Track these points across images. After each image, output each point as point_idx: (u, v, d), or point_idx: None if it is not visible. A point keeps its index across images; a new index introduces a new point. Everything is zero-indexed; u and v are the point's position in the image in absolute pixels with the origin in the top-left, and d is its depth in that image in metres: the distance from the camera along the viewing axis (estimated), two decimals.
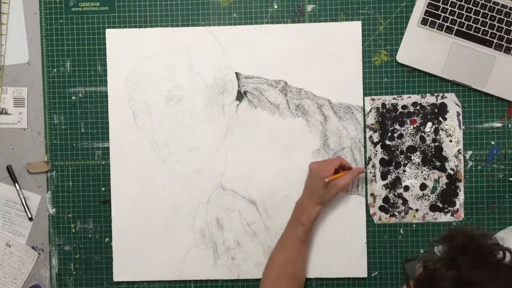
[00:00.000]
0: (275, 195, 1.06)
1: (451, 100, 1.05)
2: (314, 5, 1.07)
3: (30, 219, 1.07)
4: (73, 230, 1.09)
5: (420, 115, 1.05)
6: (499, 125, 1.06)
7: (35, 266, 1.08)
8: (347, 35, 1.05)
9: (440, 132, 1.05)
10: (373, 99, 1.06)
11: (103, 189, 1.08)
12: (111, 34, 1.07)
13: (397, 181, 1.06)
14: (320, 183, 0.98)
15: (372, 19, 1.06)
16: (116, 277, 1.08)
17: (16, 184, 1.07)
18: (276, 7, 1.07)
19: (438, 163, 1.05)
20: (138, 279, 1.08)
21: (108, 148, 1.08)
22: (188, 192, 1.07)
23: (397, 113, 1.06)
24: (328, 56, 1.06)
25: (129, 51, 1.07)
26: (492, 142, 1.06)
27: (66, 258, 1.09)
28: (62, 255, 1.09)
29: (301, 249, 1.00)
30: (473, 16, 1.03)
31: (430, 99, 1.05)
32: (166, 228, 1.07)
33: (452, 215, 1.05)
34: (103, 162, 1.08)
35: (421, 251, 1.06)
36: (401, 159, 1.06)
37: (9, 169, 1.07)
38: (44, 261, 1.09)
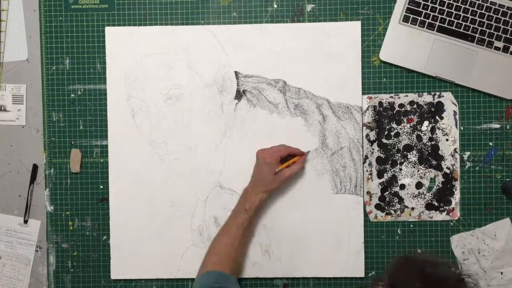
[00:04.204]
0: (273, 194, 1.06)
1: (448, 99, 1.05)
2: (314, 5, 1.07)
3: (26, 221, 1.08)
4: (71, 228, 1.09)
5: (417, 114, 1.06)
6: (497, 126, 1.06)
7: (32, 266, 1.08)
8: (346, 35, 1.06)
9: (437, 131, 1.06)
10: (370, 98, 1.06)
11: (101, 187, 1.08)
12: (110, 32, 1.07)
13: (393, 180, 1.06)
14: (266, 172, 0.99)
15: (372, 19, 1.06)
16: (114, 275, 1.08)
17: (32, 184, 1.08)
18: (275, 6, 1.07)
19: (434, 162, 1.06)
20: (135, 277, 1.08)
21: (106, 146, 1.08)
22: (186, 190, 1.07)
23: (394, 112, 1.06)
24: (327, 56, 1.06)
25: (129, 49, 1.07)
26: (490, 143, 1.06)
27: (63, 255, 1.09)
28: (60, 252, 1.09)
29: (244, 234, 1.01)
30: (454, 12, 1.04)
31: (427, 98, 1.06)
32: (164, 226, 1.07)
33: (447, 214, 1.06)
34: (101, 160, 1.08)
35: (419, 251, 1.06)
36: (397, 157, 1.06)
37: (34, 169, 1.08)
38: (42, 259, 1.09)
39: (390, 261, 0.98)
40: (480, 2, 1.04)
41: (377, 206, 1.06)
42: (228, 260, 0.98)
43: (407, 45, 1.05)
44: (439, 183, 1.06)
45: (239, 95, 1.07)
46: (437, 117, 1.06)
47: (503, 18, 1.04)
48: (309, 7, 1.07)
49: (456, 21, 1.04)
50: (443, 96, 1.05)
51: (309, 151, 1.05)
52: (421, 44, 1.05)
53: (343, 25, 1.06)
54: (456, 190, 1.05)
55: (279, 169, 0.99)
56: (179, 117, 1.07)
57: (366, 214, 1.06)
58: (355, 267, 1.06)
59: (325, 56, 1.06)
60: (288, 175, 1.00)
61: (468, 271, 0.82)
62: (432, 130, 1.06)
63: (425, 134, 1.06)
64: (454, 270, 0.71)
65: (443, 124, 1.05)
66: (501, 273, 1.04)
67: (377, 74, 1.06)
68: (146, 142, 1.07)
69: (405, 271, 0.69)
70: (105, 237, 1.08)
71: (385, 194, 1.06)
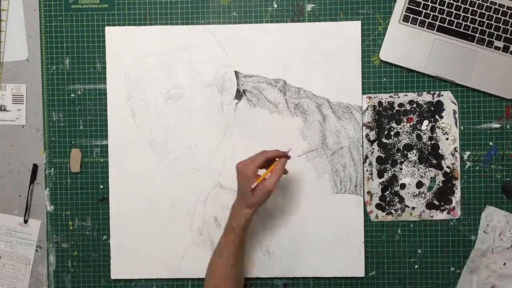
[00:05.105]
0: (273, 194, 1.06)
1: (447, 98, 1.05)
2: (314, 5, 1.07)
3: (26, 221, 1.08)
4: (71, 228, 1.09)
5: (417, 113, 1.06)
6: (497, 126, 1.06)
7: (32, 266, 1.08)
8: (346, 35, 1.06)
9: (437, 130, 1.06)
10: (370, 97, 1.06)
11: (101, 186, 1.08)
12: (110, 32, 1.07)
13: (393, 179, 1.06)
14: (244, 187, 0.93)
15: (372, 19, 1.06)
16: (114, 275, 1.08)
17: (32, 183, 1.07)
18: (275, 6, 1.07)
19: (434, 161, 1.06)
20: (135, 277, 1.08)
21: (106, 146, 1.08)
22: (186, 190, 1.07)
23: (394, 111, 1.06)
24: (327, 56, 1.06)
25: (129, 49, 1.07)
26: (490, 143, 1.06)
27: (63, 255, 1.09)
28: (60, 252, 1.09)
29: (237, 253, 0.96)
30: (454, 12, 1.04)
31: (426, 97, 1.06)
32: (164, 226, 1.07)
33: (448, 213, 1.06)
34: (101, 160, 1.08)
35: (419, 250, 1.06)
36: (397, 157, 1.06)
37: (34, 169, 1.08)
38: (42, 259, 1.09)
39: None
40: (480, 2, 1.04)
41: (378, 206, 1.06)
42: (227, 282, 0.95)
43: (407, 45, 1.05)
44: (439, 182, 1.06)
45: (239, 95, 1.07)
46: (436, 116, 1.06)
47: (503, 18, 1.04)
48: (309, 7, 1.07)
49: (456, 20, 1.04)
50: (442, 95, 1.06)
51: (289, 149, 0.97)
52: (421, 44, 1.05)
53: (343, 25, 1.06)
54: (456, 189, 1.06)
55: (255, 185, 0.91)
56: (179, 117, 1.07)
57: (366, 214, 1.06)
58: (355, 267, 1.06)
59: (325, 56, 1.06)
60: (269, 187, 0.91)
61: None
62: (432, 129, 1.06)
63: (425, 134, 1.06)
64: None
65: (443, 123, 1.06)
66: (504, 264, 1.04)
67: (377, 74, 1.06)
68: (146, 142, 1.07)
69: None
70: (105, 237, 1.08)
71: (385, 193, 1.06)
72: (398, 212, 1.06)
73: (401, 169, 1.06)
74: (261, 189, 0.92)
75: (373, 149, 1.06)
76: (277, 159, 0.96)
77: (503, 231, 1.05)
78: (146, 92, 1.07)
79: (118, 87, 1.07)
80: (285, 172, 1.01)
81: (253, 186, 0.91)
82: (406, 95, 1.06)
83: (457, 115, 1.06)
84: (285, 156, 0.96)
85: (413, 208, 1.06)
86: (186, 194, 1.07)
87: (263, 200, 0.93)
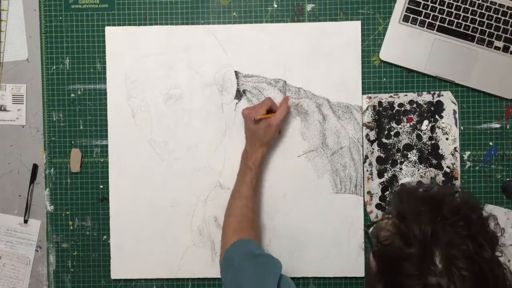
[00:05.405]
0: (272, 193, 1.06)
1: (447, 98, 1.05)
2: (314, 5, 1.07)
3: (26, 221, 1.08)
4: (71, 228, 1.09)
5: (417, 113, 1.06)
6: (497, 126, 1.06)
7: (32, 266, 1.08)
8: (346, 35, 1.06)
9: (437, 130, 1.06)
10: (370, 97, 1.06)
11: (102, 186, 1.08)
12: (110, 32, 1.07)
13: (393, 179, 1.06)
14: (254, 125, 0.99)
15: (372, 19, 1.06)
16: (114, 275, 1.08)
17: (32, 184, 1.08)
18: (275, 6, 1.07)
19: (434, 161, 1.06)
20: (135, 277, 1.08)
21: (106, 146, 1.08)
22: (186, 190, 1.07)
23: (394, 111, 1.06)
24: (327, 56, 1.06)
25: (129, 49, 1.07)
26: (490, 143, 1.06)
27: (63, 255, 1.09)
28: (60, 252, 1.09)
29: (254, 194, 1.00)
30: (454, 12, 1.04)
31: (426, 97, 1.06)
32: (164, 226, 1.07)
33: None
34: (101, 160, 1.08)
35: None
36: (397, 157, 1.06)
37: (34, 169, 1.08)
38: (42, 259, 1.09)
39: (392, 195, 1.01)
40: (480, 2, 1.04)
41: (378, 206, 1.06)
42: (248, 223, 0.97)
43: (407, 45, 1.05)
44: (439, 182, 1.06)
45: (239, 95, 1.07)
46: (436, 116, 1.06)
47: (503, 18, 1.04)
48: (309, 7, 1.07)
49: (456, 20, 1.04)
50: (442, 95, 1.06)
51: (287, 96, 1.05)
52: (421, 44, 1.05)
53: (343, 25, 1.06)
54: None
55: (259, 117, 0.98)
56: (179, 117, 1.07)
57: (366, 214, 1.06)
58: (355, 267, 1.06)
59: (325, 56, 1.06)
60: (276, 122, 0.99)
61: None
62: (432, 129, 1.06)
63: (425, 134, 1.06)
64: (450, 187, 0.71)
65: (442, 123, 1.06)
66: (509, 260, 1.03)
67: (377, 74, 1.06)
68: (146, 142, 1.07)
69: (408, 198, 0.71)
70: (105, 237, 1.08)
71: (385, 193, 1.06)
72: None
73: (401, 169, 1.06)
74: (270, 125, 0.99)
75: (373, 149, 1.06)
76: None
77: (504, 228, 1.04)
78: (146, 92, 1.07)
79: (118, 87, 1.07)
80: (288, 109, 1.05)
81: (257, 118, 0.98)
82: (406, 95, 1.06)
83: (457, 115, 1.06)
84: (286, 100, 1.03)
85: None
86: (186, 194, 1.07)
87: (275, 134, 1.01)
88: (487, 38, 1.04)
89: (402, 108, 1.06)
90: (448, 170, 1.05)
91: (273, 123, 0.99)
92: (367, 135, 1.06)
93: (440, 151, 1.06)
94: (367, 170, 1.06)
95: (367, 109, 1.06)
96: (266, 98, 1.03)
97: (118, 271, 1.08)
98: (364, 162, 1.06)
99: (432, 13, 1.04)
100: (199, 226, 1.07)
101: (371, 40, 1.06)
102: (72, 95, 1.08)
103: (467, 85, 1.05)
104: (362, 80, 1.06)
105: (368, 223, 1.04)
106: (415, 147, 1.06)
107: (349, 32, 1.06)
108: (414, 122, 1.06)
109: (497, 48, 1.04)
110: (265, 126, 0.98)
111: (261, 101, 1.03)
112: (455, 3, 1.04)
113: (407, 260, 0.64)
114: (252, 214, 0.99)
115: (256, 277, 0.85)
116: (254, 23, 1.07)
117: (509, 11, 1.04)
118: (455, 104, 1.05)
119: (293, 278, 1.06)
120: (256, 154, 1.00)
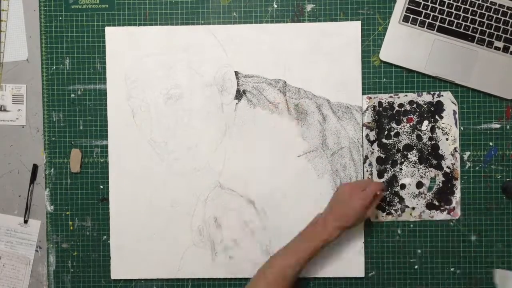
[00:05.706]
0: (273, 194, 1.06)
1: (447, 98, 1.05)
2: (314, 5, 1.07)
3: (26, 221, 1.08)
4: (71, 228, 1.09)
5: (417, 114, 1.06)
6: (497, 126, 1.06)
7: (32, 266, 1.08)
8: (346, 35, 1.06)
9: (437, 130, 1.06)
10: (370, 98, 1.06)
11: (102, 187, 1.08)
12: (110, 32, 1.07)
13: (393, 180, 1.06)
14: (357, 210, 0.95)
15: (372, 19, 1.06)
16: (114, 275, 1.08)
17: (32, 184, 1.08)
18: (275, 6, 1.07)
19: (434, 161, 1.06)
20: (135, 277, 1.08)
21: (106, 146, 1.08)
22: (186, 190, 1.07)
23: (394, 112, 1.06)
24: (327, 56, 1.06)
25: (129, 49, 1.07)
26: (490, 143, 1.06)
27: (63, 255, 1.09)
28: (60, 252, 1.09)
29: (303, 267, 0.96)
30: (454, 12, 1.04)
31: (426, 97, 1.06)
32: (164, 227, 1.07)
33: (448, 213, 1.06)
34: (101, 160, 1.08)
35: (419, 251, 1.06)
36: (397, 157, 1.06)
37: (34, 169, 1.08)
38: (42, 259, 1.09)
39: None
40: (480, 2, 1.04)
41: (378, 206, 1.06)
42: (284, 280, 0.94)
43: (407, 45, 1.05)
44: (439, 182, 1.06)
45: (239, 95, 1.07)
46: (436, 117, 1.06)
47: (503, 18, 1.04)
48: (309, 7, 1.07)
49: (456, 21, 1.04)
50: (442, 95, 1.06)
51: (385, 183, 1.05)
52: (421, 44, 1.05)
53: (343, 25, 1.06)
54: (456, 189, 1.06)
55: (372, 213, 1.01)
56: (179, 117, 1.07)
57: None
58: (355, 267, 1.06)
59: (325, 56, 1.06)
60: (372, 212, 0.99)
61: None
62: (432, 130, 1.06)
63: (425, 134, 1.06)
64: None
65: (442, 123, 1.06)
66: None
67: (377, 74, 1.06)
68: (146, 142, 1.07)
69: None
70: (105, 237, 1.08)
71: (385, 194, 1.06)
72: (398, 213, 1.06)
73: (401, 169, 1.06)
74: (370, 211, 0.98)
75: (373, 149, 1.06)
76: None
77: None
78: (146, 92, 1.07)
79: (118, 87, 1.07)
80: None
81: (370, 214, 1.00)
82: (406, 95, 1.06)
83: (457, 115, 1.06)
84: (383, 189, 1.00)
85: (413, 208, 1.06)
86: (186, 194, 1.07)
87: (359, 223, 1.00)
88: (487, 39, 1.04)
89: (402, 109, 1.06)
90: (448, 170, 1.06)
91: (370, 211, 0.98)
92: (367, 135, 1.06)
93: (440, 151, 1.06)
94: (367, 171, 1.06)
95: (367, 109, 1.06)
96: (368, 181, 1.02)
97: (118, 271, 1.08)
98: (364, 163, 1.06)
99: (432, 14, 1.04)
100: (199, 226, 1.07)
101: (371, 40, 1.06)
102: (72, 95, 1.08)
103: (467, 86, 1.05)
104: (362, 80, 1.06)
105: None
106: (415, 147, 1.06)
107: (349, 32, 1.06)
108: (414, 123, 1.06)
109: (497, 48, 1.04)
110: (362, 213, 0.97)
111: (366, 183, 0.99)
112: (455, 4, 1.04)
113: None
114: (293, 271, 0.95)
115: None
116: (254, 23, 1.07)
117: (509, 11, 1.04)
118: (455, 105, 1.05)
119: None
120: (335, 233, 0.96)
